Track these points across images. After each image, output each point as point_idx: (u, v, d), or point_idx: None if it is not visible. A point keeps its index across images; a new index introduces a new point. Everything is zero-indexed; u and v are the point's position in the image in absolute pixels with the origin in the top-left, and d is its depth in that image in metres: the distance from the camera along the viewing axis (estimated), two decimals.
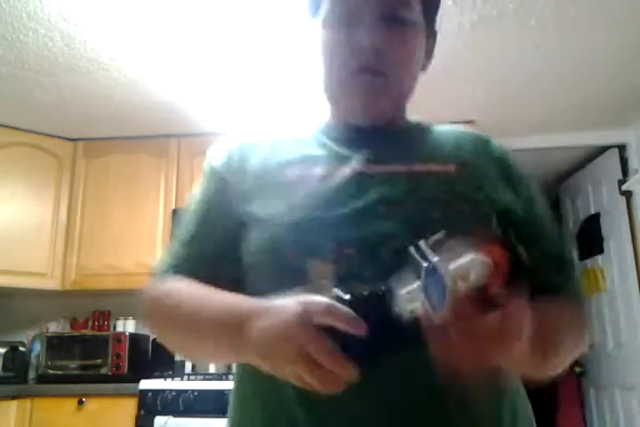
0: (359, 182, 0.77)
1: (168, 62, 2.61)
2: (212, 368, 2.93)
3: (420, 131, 0.87)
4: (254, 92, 2.87)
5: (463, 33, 2.38)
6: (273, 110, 3.04)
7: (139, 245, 3.17)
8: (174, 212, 3.16)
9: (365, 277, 0.66)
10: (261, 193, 0.80)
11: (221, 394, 2.57)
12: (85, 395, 2.72)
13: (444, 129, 0.89)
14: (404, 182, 0.76)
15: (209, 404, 2.56)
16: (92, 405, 2.71)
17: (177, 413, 2.55)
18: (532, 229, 0.81)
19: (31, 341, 3.27)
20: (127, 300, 3.36)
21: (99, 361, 2.94)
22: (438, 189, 0.76)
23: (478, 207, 0.76)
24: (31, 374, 3.14)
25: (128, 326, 3.20)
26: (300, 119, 0.92)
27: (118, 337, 2.98)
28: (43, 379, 2.97)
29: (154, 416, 2.55)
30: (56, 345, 3.01)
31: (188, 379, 2.77)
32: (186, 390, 2.60)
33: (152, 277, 0.84)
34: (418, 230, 0.61)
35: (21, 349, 3.14)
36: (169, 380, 2.75)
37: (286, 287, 0.64)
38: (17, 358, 3.09)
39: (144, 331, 3.23)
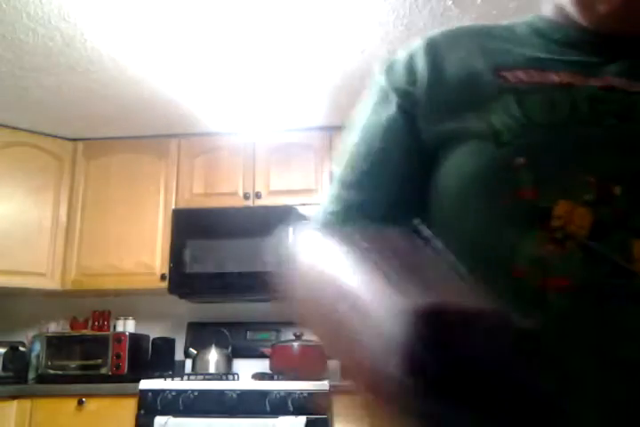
0: (620, 99, 0.55)
1: (168, 62, 2.61)
2: (211, 368, 2.93)
3: None
4: (255, 92, 2.87)
5: None
6: (273, 110, 3.04)
7: (139, 245, 3.17)
8: (174, 212, 3.16)
9: (637, 230, 0.49)
10: (472, 104, 0.58)
11: (221, 394, 2.57)
12: (85, 395, 2.72)
13: None
14: None
15: (209, 404, 2.56)
16: (91, 405, 2.71)
17: (177, 413, 2.55)
18: None
19: (31, 341, 3.27)
20: (127, 300, 3.38)
21: (99, 361, 2.94)
22: None
23: None
24: (31, 374, 3.14)
25: (128, 326, 3.20)
26: None
27: (118, 337, 2.98)
28: (43, 379, 2.97)
29: (154, 416, 2.55)
30: (56, 345, 3.01)
31: (188, 379, 2.77)
32: (186, 390, 2.60)
33: (308, 226, 0.64)
34: None
35: (21, 349, 3.14)
36: (169, 380, 2.75)
37: (511, 240, 0.51)
38: (17, 358, 3.09)
39: (144, 331, 3.23)
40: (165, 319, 3.34)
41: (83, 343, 3.01)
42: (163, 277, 3.09)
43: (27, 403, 2.73)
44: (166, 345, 3.23)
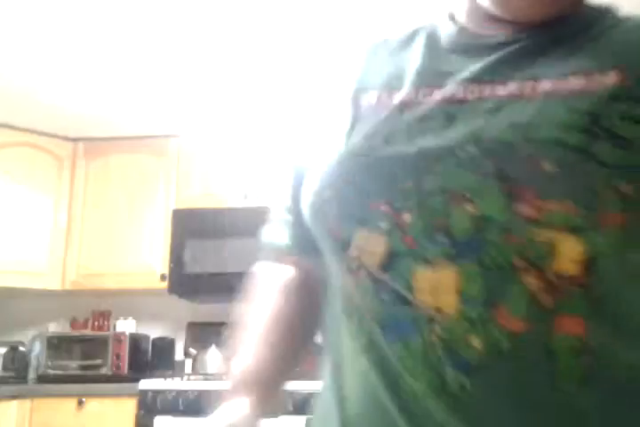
0: (446, 112, 0.53)
1: (168, 62, 2.61)
2: (211, 368, 2.93)
3: (593, 24, 0.57)
4: (255, 92, 2.87)
5: None
6: (273, 110, 3.04)
7: (139, 246, 3.17)
8: (174, 212, 3.16)
9: (429, 257, 0.48)
10: (325, 130, 0.61)
11: (221, 394, 2.56)
12: (85, 395, 2.72)
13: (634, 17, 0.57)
14: (519, 109, 0.50)
15: (209, 404, 2.56)
16: (92, 405, 2.70)
17: (177, 413, 2.55)
18: None
19: (31, 341, 3.27)
20: (127, 300, 3.38)
21: (99, 361, 2.94)
22: (572, 123, 0.47)
23: (632, 155, 0.46)
24: (31, 374, 3.14)
25: (128, 326, 3.20)
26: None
27: (118, 337, 2.98)
28: (43, 379, 2.97)
29: (154, 416, 2.55)
30: (56, 345, 3.01)
31: (188, 379, 2.77)
32: (186, 390, 2.60)
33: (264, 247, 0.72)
34: (513, 191, 0.46)
35: (21, 349, 3.14)
36: (169, 380, 2.75)
37: (338, 269, 0.55)
38: (17, 358, 3.09)
39: (144, 331, 3.23)
40: (165, 319, 3.34)
41: (83, 343, 3.01)
42: (163, 277, 3.09)
43: (27, 403, 2.73)
44: (166, 345, 3.23)
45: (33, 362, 3.16)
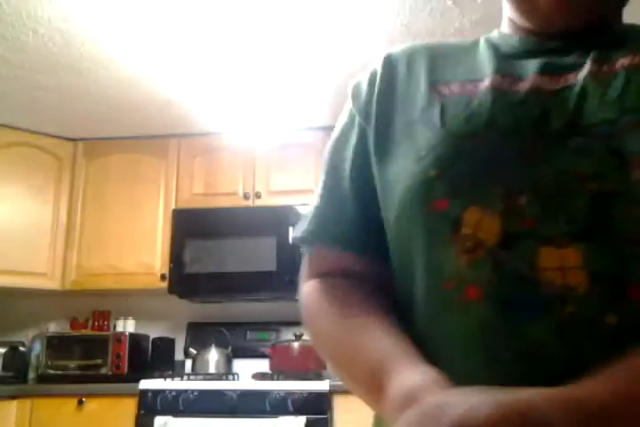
0: (539, 99, 0.54)
1: (168, 62, 2.61)
2: (211, 368, 2.93)
3: (627, 28, 0.61)
4: (255, 92, 2.87)
5: (463, 33, 2.38)
6: (274, 110, 3.04)
7: (139, 245, 3.17)
8: (174, 212, 3.16)
9: (546, 238, 0.48)
10: (405, 120, 0.61)
11: (221, 394, 2.57)
12: (85, 395, 2.72)
13: None
14: (607, 87, 0.52)
15: (209, 404, 2.56)
16: (91, 405, 2.71)
17: (177, 413, 2.56)
18: None
19: (31, 341, 3.27)
20: (127, 300, 3.38)
21: (99, 361, 2.94)
22: None
23: None
24: (31, 374, 3.14)
25: (128, 326, 3.20)
26: None
27: (118, 337, 2.98)
28: (43, 379, 2.97)
29: (154, 416, 2.55)
30: (56, 345, 3.01)
31: (188, 379, 2.77)
32: (186, 390, 2.60)
33: (299, 244, 0.69)
34: (630, 162, 0.47)
35: (21, 349, 3.14)
36: (169, 380, 2.75)
37: (433, 251, 0.53)
38: (17, 358, 3.09)
39: (144, 331, 3.23)
40: (165, 319, 3.34)
41: (83, 343, 3.01)
42: (163, 277, 3.09)
43: (27, 403, 2.73)
44: (166, 345, 3.23)
45: (33, 362, 3.16)
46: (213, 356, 2.96)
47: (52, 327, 3.34)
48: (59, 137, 3.36)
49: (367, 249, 0.63)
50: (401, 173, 0.57)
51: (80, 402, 2.70)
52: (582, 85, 0.54)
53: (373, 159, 0.63)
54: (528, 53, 0.61)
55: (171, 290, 3.05)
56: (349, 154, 0.66)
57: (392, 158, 0.60)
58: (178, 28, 2.35)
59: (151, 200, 3.25)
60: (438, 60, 0.65)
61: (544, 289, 0.47)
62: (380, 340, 0.55)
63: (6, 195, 3.16)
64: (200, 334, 3.18)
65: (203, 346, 3.02)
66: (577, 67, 0.56)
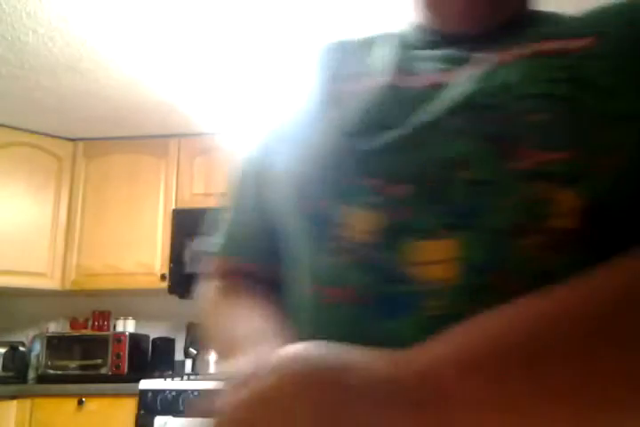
0: (432, 91, 0.53)
1: (168, 62, 2.61)
2: (211, 368, 2.93)
3: (545, 17, 0.59)
4: (255, 92, 2.87)
5: None
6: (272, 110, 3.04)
7: (138, 245, 3.18)
8: (174, 212, 3.16)
9: (427, 228, 0.46)
10: (297, 115, 0.61)
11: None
12: (85, 395, 2.72)
13: (587, 10, 0.58)
14: (501, 74, 0.50)
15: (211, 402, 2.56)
16: (92, 405, 2.71)
17: (177, 413, 2.55)
18: None
19: (31, 341, 3.27)
20: (127, 300, 3.38)
21: (99, 361, 2.94)
22: (554, 77, 0.48)
23: (613, 102, 0.47)
24: (31, 374, 3.14)
25: (128, 326, 3.20)
26: None
27: (118, 337, 2.98)
28: (43, 379, 2.97)
29: (154, 416, 2.55)
30: (56, 345, 3.01)
31: (188, 379, 2.77)
32: (186, 390, 2.60)
33: (210, 257, 0.73)
34: (507, 149, 0.45)
35: (21, 349, 3.14)
36: (169, 380, 2.75)
37: (308, 253, 0.51)
38: (17, 358, 3.09)
39: (144, 331, 3.23)
40: (165, 319, 3.34)
41: (83, 343, 3.01)
42: (163, 277, 3.09)
43: (27, 403, 2.73)
44: (166, 345, 3.23)
45: (33, 362, 3.16)
46: (213, 356, 2.96)
47: (52, 327, 3.34)
48: (59, 137, 3.36)
49: (271, 258, 0.62)
50: (281, 173, 0.56)
51: (80, 402, 2.70)
52: (480, 72, 0.52)
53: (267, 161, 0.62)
54: (428, 46, 0.59)
55: (171, 290, 3.05)
56: (252, 156, 0.67)
57: (277, 158, 0.59)
58: (178, 29, 2.35)
59: (151, 200, 3.25)
60: (342, 55, 0.64)
61: (416, 284, 0.45)
62: (250, 321, 0.56)
63: (6, 195, 3.16)
64: (200, 335, 3.18)
65: (203, 346, 3.02)
66: (472, 60, 0.54)
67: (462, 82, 0.51)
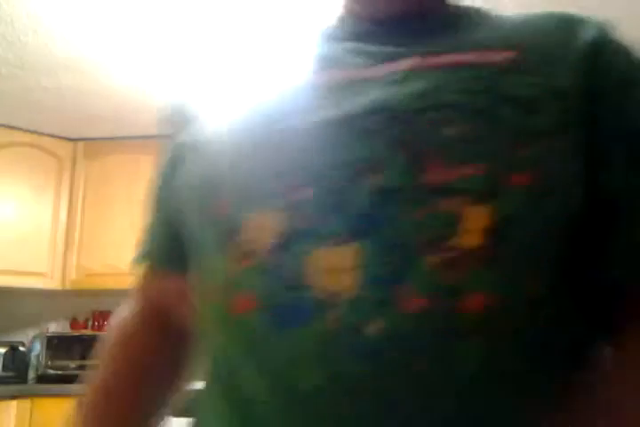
0: (346, 88, 0.50)
1: (169, 62, 2.61)
2: None
3: (467, 18, 0.57)
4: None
5: None
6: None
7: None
8: None
9: (328, 235, 0.44)
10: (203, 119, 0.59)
11: None
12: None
13: (513, 15, 0.57)
14: (420, 80, 0.49)
15: None
16: None
17: (177, 413, 2.55)
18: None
19: (31, 341, 3.27)
20: (127, 300, 3.37)
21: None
22: (471, 89, 0.47)
23: (533, 117, 0.46)
24: (31, 374, 3.14)
25: None
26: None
27: None
28: (43, 379, 2.97)
29: None
30: (56, 345, 3.01)
31: None
32: (185, 390, 2.60)
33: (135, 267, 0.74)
34: (418, 159, 0.44)
35: (21, 349, 3.14)
36: None
37: (223, 259, 0.48)
38: (17, 358, 3.09)
39: None
40: None
41: (83, 343, 3.01)
42: None
43: (27, 403, 2.73)
44: None
45: (33, 362, 3.16)
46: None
47: (52, 327, 3.34)
48: (59, 137, 3.36)
49: (182, 266, 0.59)
50: (186, 179, 0.54)
51: None
52: (399, 75, 0.50)
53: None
54: (353, 38, 0.56)
55: None
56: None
57: (185, 164, 0.56)
58: (178, 29, 2.35)
59: None
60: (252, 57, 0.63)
61: (313, 294, 0.43)
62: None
63: (6, 195, 3.16)
64: None
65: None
66: (404, 55, 0.52)
67: (381, 82, 0.49)
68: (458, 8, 0.58)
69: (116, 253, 3.18)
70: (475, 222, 0.43)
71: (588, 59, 0.49)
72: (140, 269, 0.72)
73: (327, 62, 0.54)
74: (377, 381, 0.42)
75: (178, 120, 0.64)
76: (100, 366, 0.69)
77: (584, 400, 0.45)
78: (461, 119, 0.45)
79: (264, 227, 0.46)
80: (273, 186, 0.47)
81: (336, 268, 0.44)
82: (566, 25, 0.53)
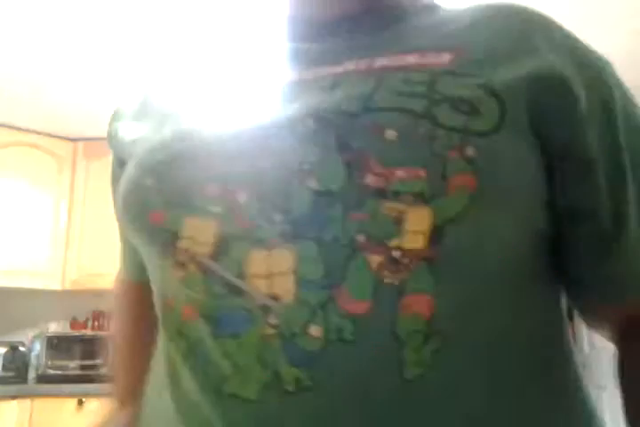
0: (281, 93, 0.50)
1: (168, 61, 2.61)
2: None
3: (415, 14, 0.56)
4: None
5: None
6: None
7: None
8: None
9: (263, 238, 0.44)
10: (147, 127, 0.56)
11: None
12: (85, 395, 2.72)
13: (464, 8, 0.56)
14: (358, 83, 0.48)
15: None
16: (92, 405, 2.71)
17: None
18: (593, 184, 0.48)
19: (31, 341, 3.27)
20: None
21: (99, 361, 2.94)
22: (409, 92, 0.46)
23: (476, 121, 0.45)
24: (31, 374, 3.14)
25: None
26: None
27: None
28: (43, 379, 2.97)
29: None
30: (56, 345, 3.01)
31: None
32: None
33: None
34: (356, 162, 0.44)
35: (21, 349, 3.14)
36: None
37: (155, 270, 0.49)
38: (17, 358, 3.09)
39: None
40: None
41: (83, 343, 3.01)
42: None
43: (27, 403, 2.73)
44: None
45: (33, 362, 3.16)
46: None
47: (52, 327, 3.34)
48: (59, 137, 3.36)
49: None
50: (123, 182, 0.52)
51: (80, 402, 2.70)
52: (335, 78, 0.49)
53: None
54: (299, 38, 0.56)
55: None
56: None
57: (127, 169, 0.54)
58: (178, 29, 2.35)
59: None
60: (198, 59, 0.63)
61: (251, 300, 0.43)
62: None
63: (6, 195, 3.16)
64: None
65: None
66: (341, 58, 0.51)
67: (319, 85, 0.49)
68: (400, 4, 0.57)
69: (116, 253, 3.17)
70: (416, 224, 0.42)
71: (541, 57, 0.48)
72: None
73: (268, 64, 0.54)
74: (317, 388, 0.41)
75: (126, 113, 0.61)
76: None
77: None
78: (399, 122, 0.44)
79: (201, 233, 0.45)
80: (211, 192, 0.45)
81: (273, 272, 0.43)
82: (513, 21, 0.52)
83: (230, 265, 0.44)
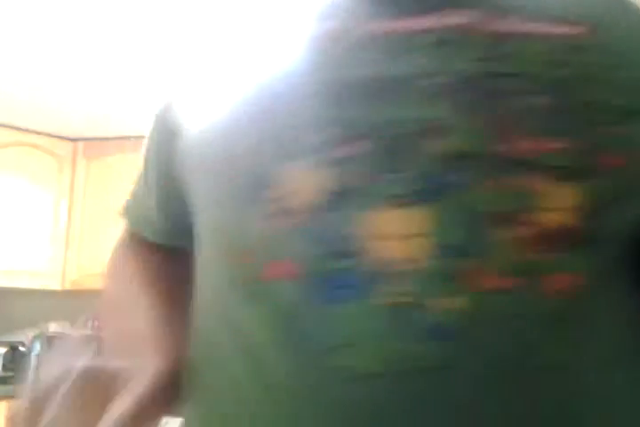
0: (389, 43, 0.42)
1: (169, 62, 2.61)
2: None
3: None
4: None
5: None
6: None
7: None
8: None
9: (389, 195, 0.38)
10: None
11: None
12: None
13: None
14: (478, 45, 0.41)
15: None
16: None
17: (177, 412, 2.55)
18: None
19: (31, 341, 3.26)
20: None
21: None
22: (548, 60, 0.41)
23: (621, 96, 0.40)
24: None
25: None
26: None
27: None
28: None
29: None
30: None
31: None
32: None
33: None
34: (499, 126, 0.39)
35: (21, 349, 3.14)
36: None
37: (248, 218, 0.41)
38: (17, 358, 3.09)
39: None
40: None
41: None
42: None
43: None
44: None
45: (33, 362, 3.16)
46: None
47: (52, 327, 3.34)
48: (59, 137, 3.35)
49: (171, 238, 0.56)
50: (200, 126, 0.48)
51: None
52: (445, 33, 0.42)
53: None
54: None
55: None
56: None
57: (194, 114, 0.51)
58: (179, 30, 2.35)
59: None
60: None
61: (365, 263, 0.37)
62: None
63: (6, 195, 3.16)
64: None
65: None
66: (441, 4, 0.44)
67: (434, 38, 0.42)
68: None
69: None
70: (559, 200, 0.38)
71: None
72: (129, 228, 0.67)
73: (364, 10, 0.45)
74: (448, 366, 0.36)
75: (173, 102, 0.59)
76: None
77: None
78: (543, 90, 0.40)
79: (303, 183, 0.39)
80: (322, 136, 0.40)
81: (395, 233, 0.38)
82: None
83: (341, 222, 0.38)
